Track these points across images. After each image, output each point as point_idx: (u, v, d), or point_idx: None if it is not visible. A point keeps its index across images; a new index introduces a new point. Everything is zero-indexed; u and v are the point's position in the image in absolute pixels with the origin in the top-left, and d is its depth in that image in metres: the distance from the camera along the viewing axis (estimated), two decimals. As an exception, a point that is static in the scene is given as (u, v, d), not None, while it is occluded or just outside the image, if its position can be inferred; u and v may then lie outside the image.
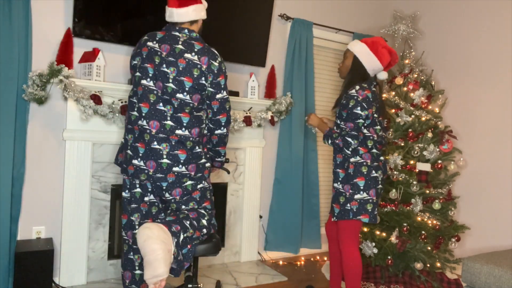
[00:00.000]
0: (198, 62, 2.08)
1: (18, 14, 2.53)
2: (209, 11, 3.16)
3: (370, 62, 2.43)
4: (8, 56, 2.51)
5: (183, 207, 2.13)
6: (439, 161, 3.24)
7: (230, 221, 3.52)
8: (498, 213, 3.40)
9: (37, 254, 2.47)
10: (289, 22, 3.68)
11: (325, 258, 3.74)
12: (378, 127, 2.47)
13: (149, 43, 2.11)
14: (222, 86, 2.17)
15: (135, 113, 2.10)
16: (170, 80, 2.05)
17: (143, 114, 2.06)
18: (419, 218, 3.11)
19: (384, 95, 3.49)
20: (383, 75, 2.53)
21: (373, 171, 2.43)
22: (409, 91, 3.38)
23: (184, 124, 2.07)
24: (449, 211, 3.22)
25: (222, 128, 2.23)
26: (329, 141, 2.53)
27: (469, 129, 3.65)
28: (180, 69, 2.06)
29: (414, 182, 3.14)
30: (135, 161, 2.07)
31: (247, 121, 3.34)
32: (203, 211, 2.14)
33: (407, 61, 3.51)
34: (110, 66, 2.94)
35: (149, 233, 1.75)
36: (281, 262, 3.62)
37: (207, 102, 2.17)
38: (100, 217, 2.92)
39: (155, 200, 2.19)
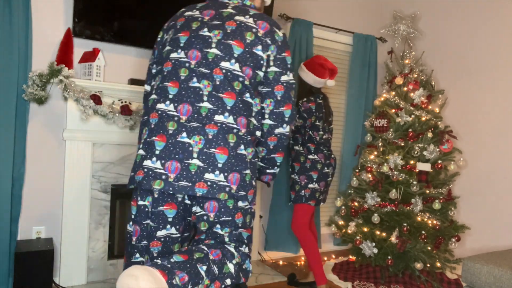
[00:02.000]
0: (253, 25, 1.55)
1: (18, 14, 2.53)
2: (209, 11, 3.18)
3: (311, 79, 2.97)
4: (8, 56, 2.51)
5: (218, 228, 1.51)
6: (439, 161, 3.24)
7: (230, 221, 3.52)
8: (498, 213, 3.40)
9: (37, 254, 2.47)
10: (289, 22, 3.68)
11: (325, 258, 3.74)
12: (321, 132, 2.95)
13: (187, 13, 1.63)
14: (289, 66, 1.62)
15: (154, 96, 1.54)
16: (213, 45, 1.51)
17: (170, 96, 1.49)
18: (419, 218, 3.11)
19: (384, 95, 3.50)
20: (330, 83, 3.05)
21: (325, 168, 2.96)
22: (409, 91, 3.38)
23: (228, 108, 1.47)
24: (449, 211, 3.22)
25: (285, 125, 1.64)
26: None
27: (469, 129, 3.65)
28: (228, 31, 1.52)
29: (414, 182, 3.14)
30: (147, 162, 1.45)
31: (247, 121, 3.33)
32: (232, 249, 1.49)
33: (407, 61, 3.51)
34: (110, 66, 2.94)
35: (132, 285, 1.17)
36: (281, 262, 3.62)
37: (266, 89, 1.59)
38: (100, 217, 2.92)
39: (178, 235, 1.55)
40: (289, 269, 3.46)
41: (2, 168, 2.51)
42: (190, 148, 1.42)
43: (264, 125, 1.64)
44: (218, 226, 1.50)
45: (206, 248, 1.42)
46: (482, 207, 3.52)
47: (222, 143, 1.44)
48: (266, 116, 1.62)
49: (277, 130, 1.65)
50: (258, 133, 1.60)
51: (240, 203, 1.51)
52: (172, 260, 1.31)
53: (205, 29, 1.54)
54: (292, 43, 3.63)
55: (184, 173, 1.42)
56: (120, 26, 2.83)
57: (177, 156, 1.42)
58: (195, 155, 1.41)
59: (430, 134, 3.24)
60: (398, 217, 3.17)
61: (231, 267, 1.45)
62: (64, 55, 2.69)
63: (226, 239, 1.50)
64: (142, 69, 3.07)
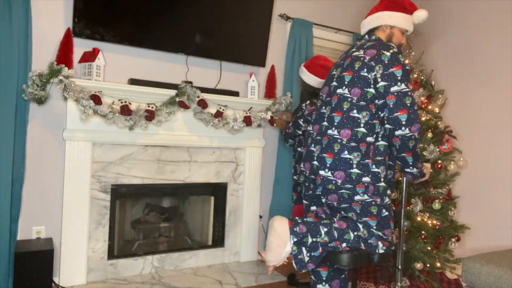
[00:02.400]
0: (362, 55, 2.01)
1: (18, 14, 2.53)
2: (209, 11, 3.17)
3: (313, 81, 3.05)
4: (8, 56, 2.51)
5: (343, 213, 2.05)
6: (439, 161, 3.24)
7: (230, 221, 3.52)
8: (498, 213, 3.40)
9: (37, 254, 2.47)
10: (289, 22, 3.68)
11: (325, 258, 3.74)
12: None
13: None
14: (399, 78, 1.93)
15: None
16: (334, 79, 2.09)
17: (312, 120, 2.18)
18: (419, 218, 3.11)
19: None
20: None
21: None
22: (409, 91, 3.38)
23: (335, 124, 1.99)
24: (449, 211, 3.22)
25: (403, 128, 1.92)
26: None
27: (469, 129, 3.65)
28: (345, 66, 2.06)
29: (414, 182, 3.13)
30: (301, 165, 2.19)
31: (247, 121, 3.34)
32: (361, 226, 1.98)
33: (407, 61, 3.51)
34: (110, 66, 2.94)
35: (272, 224, 1.96)
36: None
37: (381, 101, 1.96)
38: (100, 217, 2.92)
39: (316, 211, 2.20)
40: (289, 269, 3.46)
41: (2, 168, 2.51)
42: (313, 154, 2.04)
43: (386, 129, 1.99)
44: (342, 212, 2.03)
45: (335, 219, 1.98)
46: (482, 207, 3.52)
47: (329, 150, 1.98)
48: (385, 122, 1.97)
49: (396, 133, 1.95)
50: (370, 139, 1.98)
51: (358, 197, 1.96)
52: (305, 219, 1.95)
53: (334, 69, 2.15)
54: (292, 43, 3.63)
55: (312, 170, 2.06)
56: (120, 26, 2.83)
57: (308, 159, 2.07)
58: (315, 159, 2.02)
59: (430, 134, 3.24)
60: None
61: (351, 236, 1.93)
62: (64, 55, 2.69)
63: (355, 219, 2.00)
64: (142, 69, 3.07)
